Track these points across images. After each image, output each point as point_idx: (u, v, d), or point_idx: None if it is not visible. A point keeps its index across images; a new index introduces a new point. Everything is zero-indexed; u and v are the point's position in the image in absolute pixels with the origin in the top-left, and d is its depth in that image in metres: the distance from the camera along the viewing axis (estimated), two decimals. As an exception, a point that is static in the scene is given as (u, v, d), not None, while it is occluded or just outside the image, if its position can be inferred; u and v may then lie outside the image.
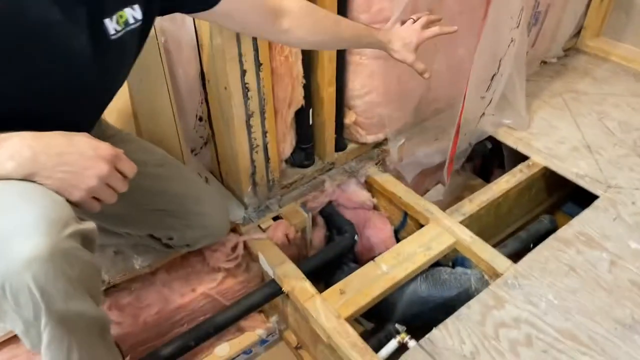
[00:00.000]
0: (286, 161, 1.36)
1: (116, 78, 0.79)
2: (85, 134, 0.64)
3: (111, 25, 0.69)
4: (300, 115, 1.27)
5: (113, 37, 0.70)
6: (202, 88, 1.18)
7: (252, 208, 1.27)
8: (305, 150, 1.35)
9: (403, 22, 1.07)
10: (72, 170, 0.61)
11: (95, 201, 0.64)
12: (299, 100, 1.21)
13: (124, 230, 1.01)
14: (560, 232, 1.20)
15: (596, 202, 1.28)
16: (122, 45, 0.73)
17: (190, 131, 1.27)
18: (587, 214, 1.25)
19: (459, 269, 1.21)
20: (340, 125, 1.38)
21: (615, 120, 1.58)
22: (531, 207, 1.58)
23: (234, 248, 1.19)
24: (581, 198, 1.37)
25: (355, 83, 1.31)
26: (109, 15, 0.69)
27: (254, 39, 1.01)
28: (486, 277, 1.16)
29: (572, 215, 1.31)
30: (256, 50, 1.04)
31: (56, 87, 0.67)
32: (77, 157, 0.61)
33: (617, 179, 1.35)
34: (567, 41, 1.94)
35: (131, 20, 0.71)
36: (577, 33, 1.98)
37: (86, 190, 0.62)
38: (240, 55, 1.02)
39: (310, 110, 1.28)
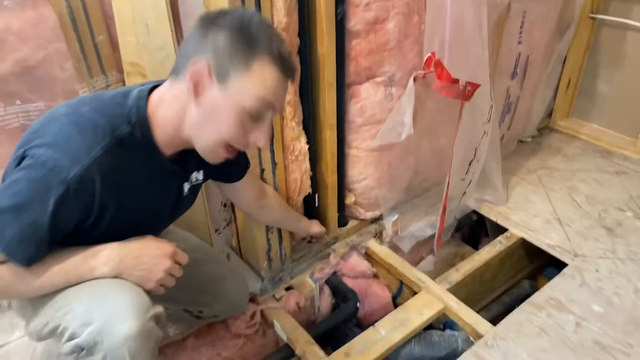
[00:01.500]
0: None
1: (180, 215, 1.07)
2: (151, 236, 0.89)
3: (186, 187, 0.97)
4: (308, 199, 1.50)
5: (185, 194, 0.98)
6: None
7: (267, 280, 1.47)
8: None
9: None
10: (147, 268, 0.85)
11: (161, 287, 0.88)
12: (307, 189, 1.44)
13: (163, 305, 1.21)
14: (534, 298, 1.39)
15: (565, 270, 1.48)
16: (189, 198, 1.01)
17: (216, 214, 1.50)
18: (556, 280, 1.44)
19: (448, 331, 1.39)
20: (342, 205, 1.61)
21: (582, 194, 1.81)
22: (514, 273, 1.77)
23: (253, 316, 1.38)
24: (560, 263, 1.55)
25: (354, 171, 1.55)
26: (188, 180, 0.97)
27: (272, 146, 1.26)
28: (471, 338, 1.34)
29: (552, 278, 1.49)
30: (272, 152, 1.29)
31: (143, 227, 0.92)
32: (149, 258, 0.85)
33: (583, 249, 1.55)
34: (541, 122, 2.21)
35: (194, 180, 1.00)
36: (550, 114, 2.26)
37: (156, 281, 0.86)
38: (260, 157, 1.26)
39: (316, 195, 1.52)
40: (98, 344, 0.77)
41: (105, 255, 0.83)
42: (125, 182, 0.82)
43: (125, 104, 0.82)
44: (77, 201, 0.77)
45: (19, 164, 0.78)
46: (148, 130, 0.83)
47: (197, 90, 0.80)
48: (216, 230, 1.53)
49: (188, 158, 0.93)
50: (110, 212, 0.82)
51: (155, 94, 0.85)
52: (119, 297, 0.80)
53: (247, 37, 0.78)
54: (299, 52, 1.22)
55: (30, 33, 1.10)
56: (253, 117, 0.82)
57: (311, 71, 1.28)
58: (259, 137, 0.85)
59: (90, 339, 0.78)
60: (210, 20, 0.80)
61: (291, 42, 1.17)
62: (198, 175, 1.01)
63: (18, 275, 0.78)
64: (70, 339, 0.80)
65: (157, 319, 0.83)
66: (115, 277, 0.83)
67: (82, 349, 0.79)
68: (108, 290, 0.81)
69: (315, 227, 1.49)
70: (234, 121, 0.81)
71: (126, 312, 0.78)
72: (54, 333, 0.84)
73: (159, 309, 0.84)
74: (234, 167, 1.10)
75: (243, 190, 1.17)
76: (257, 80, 0.79)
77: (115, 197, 0.81)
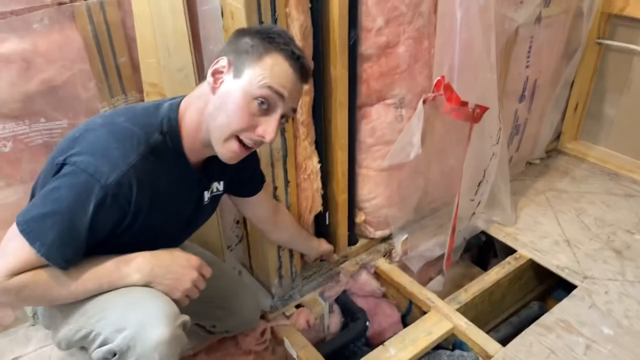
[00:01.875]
0: (306, 255, 1.59)
1: (200, 224, 1.11)
2: (179, 249, 0.93)
3: (206, 196, 1.01)
4: (319, 217, 1.53)
5: (205, 203, 1.02)
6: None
7: (278, 297, 1.49)
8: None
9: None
10: (175, 277, 0.88)
11: (186, 297, 0.91)
12: (318, 207, 1.47)
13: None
14: (543, 319, 1.39)
15: (574, 292, 1.48)
16: (208, 207, 1.05)
17: (228, 231, 1.52)
18: (566, 302, 1.44)
19: (457, 352, 1.39)
20: (352, 224, 1.63)
21: (591, 216, 1.81)
22: (523, 294, 1.77)
23: (263, 333, 1.39)
24: (569, 285, 1.55)
25: (364, 190, 1.57)
26: (208, 189, 1.01)
27: (285, 165, 1.30)
28: (480, 358, 1.34)
29: (561, 300, 1.49)
30: (285, 170, 1.32)
31: (166, 234, 0.96)
32: (178, 268, 0.89)
33: (592, 271, 1.55)
34: (549, 144, 2.23)
35: (215, 190, 1.04)
36: (557, 137, 2.28)
37: (183, 291, 0.89)
38: (273, 175, 1.30)
39: (327, 213, 1.54)
40: (130, 349, 0.81)
41: (138, 263, 0.87)
42: (156, 188, 0.87)
43: (158, 115, 0.89)
44: (115, 205, 0.81)
45: (57, 172, 0.82)
46: (178, 138, 0.89)
47: (215, 83, 0.86)
48: (228, 247, 1.56)
49: (211, 166, 0.98)
50: (143, 216, 0.87)
51: (184, 101, 0.92)
52: (150, 305, 0.83)
53: (266, 38, 0.85)
54: (313, 74, 1.26)
55: (56, 54, 1.15)
56: (261, 107, 0.85)
57: (324, 93, 1.32)
58: (266, 130, 0.86)
59: (123, 344, 0.81)
60: (240, 30, 0.91)
61: (306, 65, 1.21)
62: (218, 186, 1.05)
63: (55, 279, 0.82)
64: (103, 344, 0.84)
65: (184, 326, 0.87)
66: (145, 285, 0.86)
67: (114, 354, 0.83)
68: (140, 298, 0.84)
69: (324, 245, 1.51)
70: (242, 108, 0.84)
71: (158, 318, 0.81)
72: (85, 339, 0.87)
73: (186, 317, 0.87)
74: (250, 179, 1.15)
75: (258, 206, 1.21)
76: (266, 69, 0.84)
77: (148, 201, 0.86)
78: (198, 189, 0.99)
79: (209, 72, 0.87)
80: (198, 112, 0.89)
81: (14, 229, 0.80)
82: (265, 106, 0.85)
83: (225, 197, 1.37)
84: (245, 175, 1.12)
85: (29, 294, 0.81)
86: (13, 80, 1.11)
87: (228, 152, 0.88)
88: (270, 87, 0.84)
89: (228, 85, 0.85)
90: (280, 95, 0.85)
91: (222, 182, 1.05)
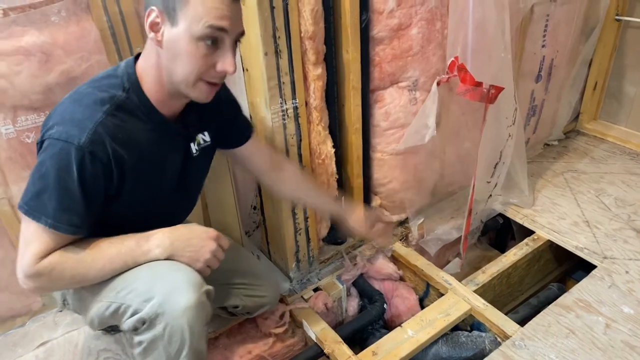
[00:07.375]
0: (323, 240, 1.61)
1: (196, 182, 1.11)
2: (196, 223, 0.96)
3: (193, 147, 1.02)
4: (335, 202, 1.54)
5: (194, 155, 1.03)
6: (256, 184, 1.47)
7: (296, 281, 1.51)
8: (338, 230, 1.60)
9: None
10: (195, 249, 0.91)
11: (207, 268, 0.94)
12: (334, 192, 1.48)
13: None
14: (561, 299, 1.38)
15: (594, 272, 1.47)
16: (200, 161, 1.06)
17: (246, 217, 1.55)
18: (585, 282, 1.43)
19: (475, 332, 1.40)
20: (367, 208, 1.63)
21: (611, 196, 1.79)
22: (542, 276, 1.76)
23: (282, 316, 1.42)
24: (589, 266, 1.54)
25: (379, 174, 1.58)
26: (193, 140, 1.02)
27: (299, 150, 1.31)
28: (499, 339, 1.34)
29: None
30: (299, 155, 1.33)
31: (162, 194, 0.98)
32: (197, 240, 0.92)
33: (612, 251, 1.54)
34: (567, 125, 2.19)
35: (202, 142, 1.05)
36: (576, 117, 2.24)
37: (204, 261, 0.92)
38: (288, 161, 1.31)
39: (343, 198, 1.55)
40: (159, 315, 0.84)
41: (158, 238, 0.90)
42: (135, 143, 0.89)
43: (117, 75, 0.91)
44: (96, 163, 0.83)
45: (39, 150, 0.86)
46: (142, 93, 0.90)
47: (157, 37, 0.86)
48: (246, 233, 1.58)
49: (188, 117, 0.99)
50: (130, 173, 0.89)
51: (139, 59, 0.93)
52: (175, 274, 0.87)
53: None
54: (325, 58, 1.26)
55: (74, 46, 1.18)
56: (209, 44, 0.84)
57: (337, 77, 1.32)
58: (225, 63, 0.86)
59: (152, 312, 0.84)
60: None
61: (317, 49, 1.22)
62: (204, 137, 1.05)
63: (81, 259, 0.86)
64: (133, 315, 0.87)
65: (208, 294, 0.90)
66: (166, 259, 0.90)
67: (144, 323, 0.86)
68: (164, 269, 0.88)
69: (352, 216, 1.33)
70: (194, 52, 0.84)
71: (184, 286, 0.85)
72: (116, 314, 0.91)
73: (210, 287, 0.91)
74: (233, 125, 1.13)
75: (254, 156, 1.19)
76: (197, 5, 0.82)
77: (129, 157, 0.88)
78: (181, 141, 1.00)
79: (147, 27, 0.86)
80: (154, 66, 0.89)
81: (23, 218, 0.84)
82: (212, 43, 0.85)
83: (235, 176, 1.33)
84: (226, 121, 1.10)
85: (59, 275, 0.84)
86: (34, 72, 1.14)
87: (200, 93, 0.89)
88: (210, 26, 0.83)
89: (170, 35, 0.85)
90: (223, 29, 0.84)
91: (206, 133, 1.06)
